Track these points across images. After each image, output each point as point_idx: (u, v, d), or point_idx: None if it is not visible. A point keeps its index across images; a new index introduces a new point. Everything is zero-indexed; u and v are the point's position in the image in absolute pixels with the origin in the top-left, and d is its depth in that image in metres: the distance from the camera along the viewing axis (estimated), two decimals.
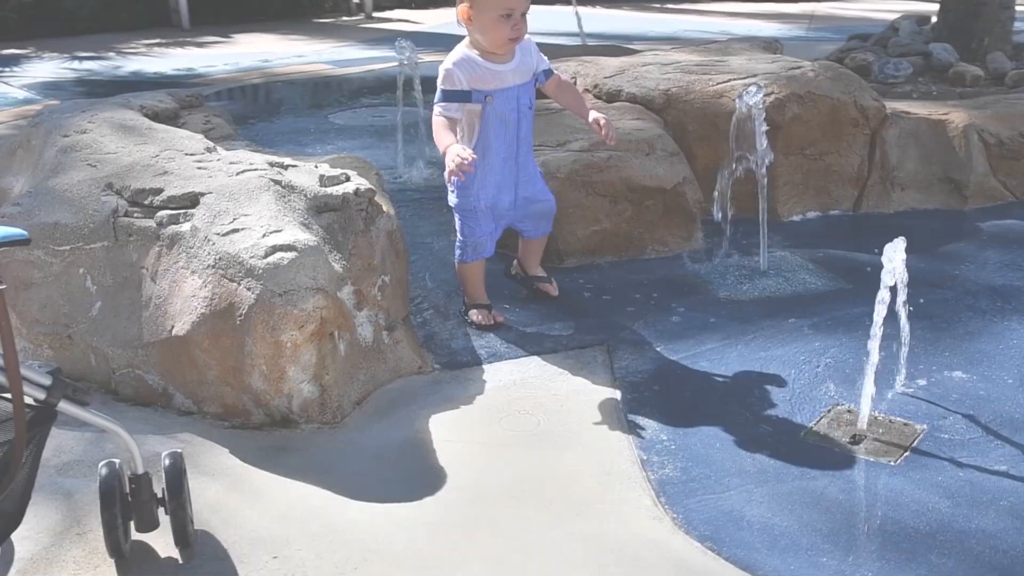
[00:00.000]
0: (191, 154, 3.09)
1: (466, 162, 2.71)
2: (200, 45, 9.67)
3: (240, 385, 2.61)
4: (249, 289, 2.53)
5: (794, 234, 4.06)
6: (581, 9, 8.94)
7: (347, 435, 2.64)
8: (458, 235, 3.15)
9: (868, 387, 2.59)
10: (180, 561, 2.13)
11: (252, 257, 2.56)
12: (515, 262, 3.42)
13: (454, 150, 2.76)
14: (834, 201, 4.25)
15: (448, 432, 2.64)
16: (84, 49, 9.54)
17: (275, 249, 2.57)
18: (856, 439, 2.56)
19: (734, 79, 4.16)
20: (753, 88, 3.50)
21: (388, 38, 9.53)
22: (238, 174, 2.92)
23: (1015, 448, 2.52)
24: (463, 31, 2.99)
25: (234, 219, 2.70)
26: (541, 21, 9.71)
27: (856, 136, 4.21)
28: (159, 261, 2.74)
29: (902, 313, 2.73)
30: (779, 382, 2.87)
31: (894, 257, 2.53)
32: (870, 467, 2.45)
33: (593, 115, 3.05)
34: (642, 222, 3.77)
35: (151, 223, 2.79)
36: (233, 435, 2.64)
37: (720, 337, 3.14)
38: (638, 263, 3.74)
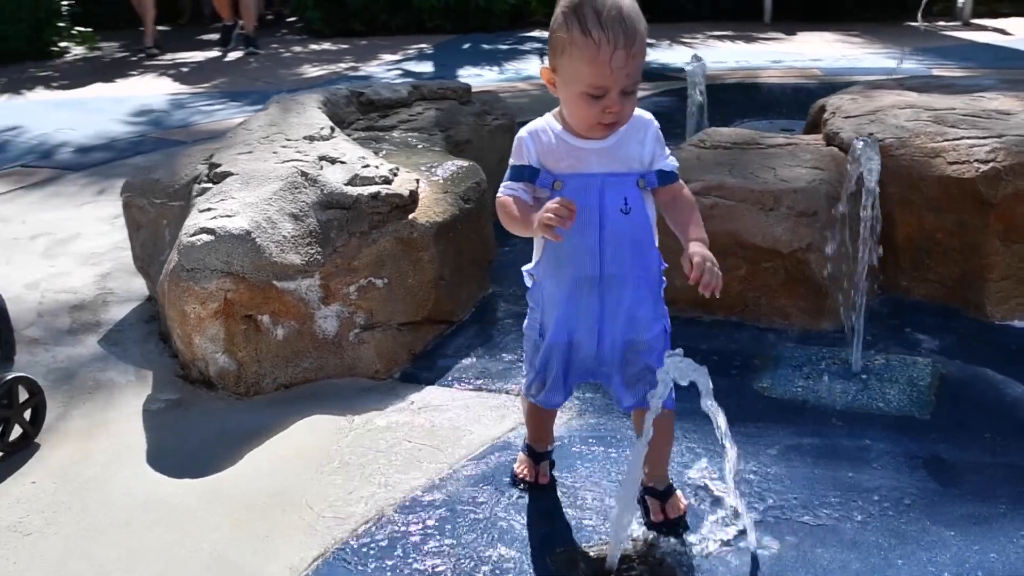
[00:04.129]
0: (289, 139, 3.49)
1: (565, 211, 1.91)
2: (749, 40, 9.74)
3: (176, 342, 3.01)
4: (173, 260, 2.90)
5: (986, 342, 3.15)
6: None
7: (236, 410, 2.88)
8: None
9: (619, 524, 2.12)
10: None
11: (185, 233, 2.92)
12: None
13: (546, 208, 1.93)
14: None
15: (289, 434, 2.72)
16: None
17: (201, 231, 2.89)
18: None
19: (966, 138, 3.31)
20: (862, 141, 2.84)
21: (952, 48, 8.68)
22: (282, 162, 3.26)
23: None
24: None
25: (221, 200, 3.06)
26: None
27: None
28: (184, 225, 3.22)
29: (731, 462, 2.15)
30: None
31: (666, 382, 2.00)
32: None
33: (694, 248, 2.02)
34: (758, 285, 3.27)
35: (195, 192, 3.27)
36: (172, 383, 3.05)
37: None
38: (742, 329, 3.27)
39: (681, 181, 2.17)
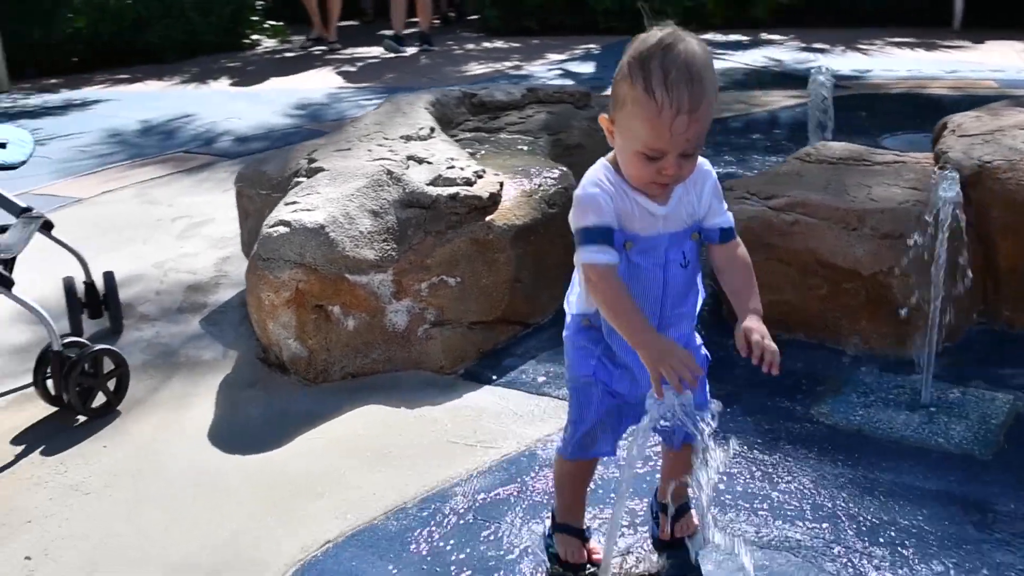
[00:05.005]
0: (387, 138, 3.62)
1: (692, 378, 1.80)
2: (931, 48, 9.28)
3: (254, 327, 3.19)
4: (254, 249, 3.08)
5: None
6: None
7: (302, 395, 3.04)
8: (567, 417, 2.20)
9: (612, 538, 2.13)
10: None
11: (266, 224, 3.09)
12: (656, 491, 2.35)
13: (677, 355, 1.82)
14: None
15: (343, 420, 2.87)
16: (818, 40, 9.84)
17: (279, 223, 3.05)
18: None
19: None
20: (946, 175, 2.72)
21: None
22: (372, 160, 3.40)
23: None
24: None
25: (307, 194, 3.22)
26: None
27: None
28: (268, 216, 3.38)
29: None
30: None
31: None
32: None
33: (748, 323, 1.91)
34: (839, 306, 3.16)
35: (291, 185, 3.45)
36: (253, 365, 3.24)
37: None
38: (819, 351, 3.16)
39: (738, 238, 2.06)
